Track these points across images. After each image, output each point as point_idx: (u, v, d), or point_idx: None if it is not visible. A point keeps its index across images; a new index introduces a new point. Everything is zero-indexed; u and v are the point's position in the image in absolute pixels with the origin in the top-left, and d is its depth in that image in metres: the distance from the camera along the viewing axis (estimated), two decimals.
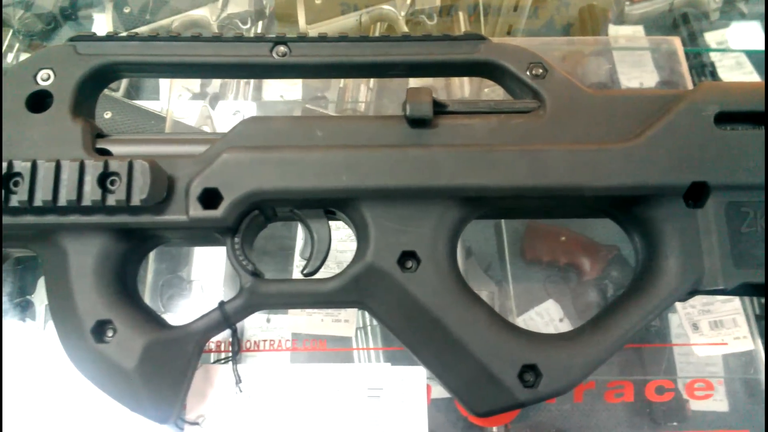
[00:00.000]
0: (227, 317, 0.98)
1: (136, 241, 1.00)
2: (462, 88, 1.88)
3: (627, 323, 0.99)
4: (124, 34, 1.04)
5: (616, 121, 1.04)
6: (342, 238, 1.53)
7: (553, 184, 0.98)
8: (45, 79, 1.04)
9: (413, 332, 0.99)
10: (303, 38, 1.08)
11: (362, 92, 1.86)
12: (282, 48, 1.07)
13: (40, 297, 1.54)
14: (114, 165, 0.96)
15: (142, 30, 1.74)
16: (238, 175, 0.98)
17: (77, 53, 1.06)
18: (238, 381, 1.02)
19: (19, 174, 0.95)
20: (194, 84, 1.87)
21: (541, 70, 1.07)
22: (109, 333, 0.97)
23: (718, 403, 1.31)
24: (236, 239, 1.00)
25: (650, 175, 0.99)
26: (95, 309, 0.97)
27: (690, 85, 1.56)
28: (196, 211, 0.96)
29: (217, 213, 0.96)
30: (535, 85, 1.06)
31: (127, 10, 1.71)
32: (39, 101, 1.04)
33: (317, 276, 1.04)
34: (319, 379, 1.02)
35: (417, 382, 1.03)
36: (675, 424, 1.31)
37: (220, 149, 1.00)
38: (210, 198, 0.97)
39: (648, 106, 1.03)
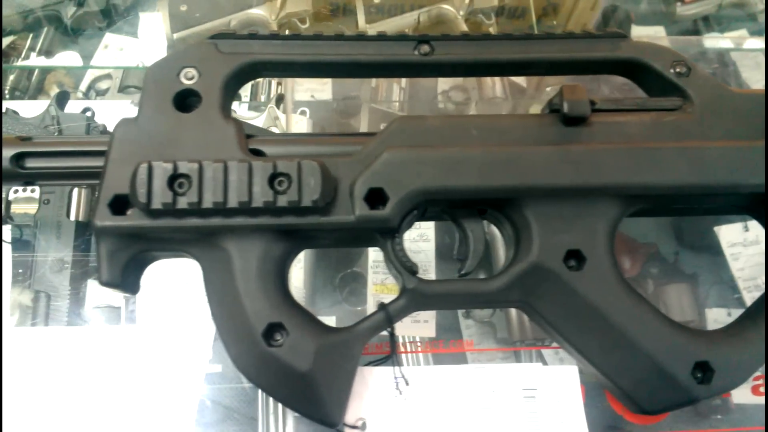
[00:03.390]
0: (390, 319, 0.96)
1: (294, 243, 0.99)
2: (494, 87, 1.88)
3: None
4: (265, 33, 1.01)
5: (757, 118, 1.04)
6: (414, 239, 1.52)
7: (713, 182, 1.00)
8: (189, 77, 1.02)
9: (581, 332, 0.98)
10: (447, 37, 1.07)
11: (395, 92, 1.85)
12: (425, 46, 1.06)
13: None
14: (281, 166, 0.93)
15: (200, 29, 1.70)
16: (403, 174, 0.97)
17: (219, 52, 1.04)
18: (406, 383, 1.00)
19: (185, 176, 0.93)
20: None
21: (684, 68, 1.07)
22: (281, 336, 0.95)
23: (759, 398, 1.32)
24: (397, 239, 0.98)
25: None
26: (265, 312, 0.95)
27: None
28: (363, 210, 0.95)
29: (384, 212, 0.95)
30: (680, 83, 1.07)
31: (183, 8, 1.68)
32: (184, 100, 1.01)
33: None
34: (474, 380, 1.01)
35: (571, 382, 1.02)
36: (719, 417, 1.31)
37: (379, 149, 0.98)
38: (375, 198, 0.96)
39: None
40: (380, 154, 0.97)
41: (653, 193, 0.99)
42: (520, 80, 1.95)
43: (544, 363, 1.52)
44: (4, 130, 1.54)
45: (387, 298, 1.36)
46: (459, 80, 1.89)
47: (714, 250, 1.61)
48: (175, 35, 1.69)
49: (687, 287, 1.54)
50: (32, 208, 1.56)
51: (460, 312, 1.52)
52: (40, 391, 1.17)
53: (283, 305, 0.95)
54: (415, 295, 0.95)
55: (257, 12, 1.72)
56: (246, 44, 1.04)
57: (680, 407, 0.97)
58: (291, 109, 1.60)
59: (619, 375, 0.97)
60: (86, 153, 1.02)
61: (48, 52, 2.09)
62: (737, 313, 1.35)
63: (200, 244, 0.97)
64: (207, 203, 0.92)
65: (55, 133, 1.57)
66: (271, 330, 0.95)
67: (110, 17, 1.89)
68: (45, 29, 2.00)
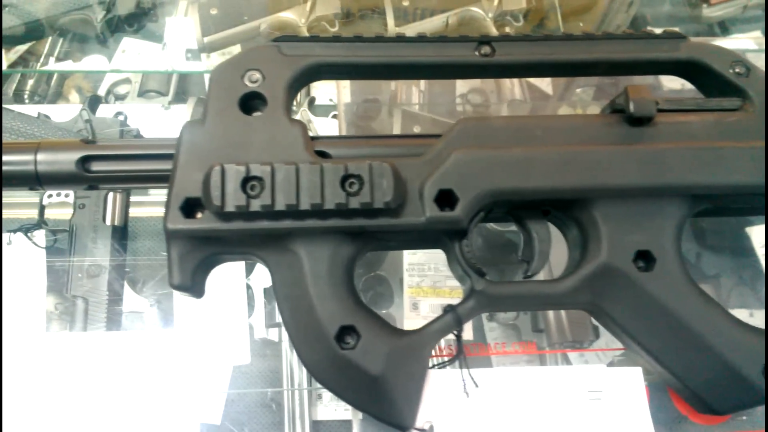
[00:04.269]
0: (460, 321, 0.96)
1: (361, 244, 0.99)
2: (513, 90, 1.89)
3: None
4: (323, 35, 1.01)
5: None
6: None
7: None
8: (254, 80, 1.02)
9: (651, 332, 0.99)
10: (507, 37, 1.07)
11: (414, 94, 1.85)
12: (486, 48, 1.05)
13: None
14: (353, 167, 0.93)
15: (230, 32, 1.70)
16: (472, 176, 0.97)
17: (282, 54, 1.03)
18: (476, 385, 0.99)
19: (257, 178, 0.93)
20: None
21: (743, 69, 1.08)
22: (353, 339, 0.95)
23: None
24: (465, 241, 0.98)
25: None
26: (337, 315, 0.95)
27: None
28: (433, 212, 0.95)
29: (454, 214, 0.95)
30: (739, 83, 1.07)
31: (213, 12, 1.67)
32: (248, 103, 1.01)
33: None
34: (539, 381, 1.00)
35: (635, 383, 1.02)
36: (744, 418, 1.32)
37: (446, 150, 0.98)
38: (445, 199, 0.96)
39: None
40: (448, 156, 0.97)
41: (719, 193, 1.00)
42: (539, 82, 1.95)
43: (569, 364, 1.52)
44: (35, 134, 1.53)
45: (423, 301, 1.36)
46: (477, 83, 1.89)
47: (737, 251, 1.61)
48: (206, 39, 1.68)
49: (709, 288, 1.54)
50: (66, 213, 1.55)
51: (483, 314, 1.52)
52: (79, 396, 1.16)
53: (354, 308, 0.95)
54: (484, 297, 0.95)
55: (287, 15, 1.72)
56: (308, 47, 1.04)
57: (751, 407, 0.98)
58: (343, 111, 1.59)
59: (689, 375, 0.97)
60: (152, 156, 1.02)
61: (65, 58, 2.07)
62: (759, 313, 1.36)
63: (269, 246, 0.96)
64: (279, 205, 0.91)
65: (89, 137, 1.56)
66: (344, 333, 0.95)
67: (139, 21, 1.87)
68: (69, 34, 1.98)
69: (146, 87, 2.05)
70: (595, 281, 0.97)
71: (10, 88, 2.03)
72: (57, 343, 1.25)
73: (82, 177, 1.00)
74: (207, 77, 1.92)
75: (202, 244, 0.95)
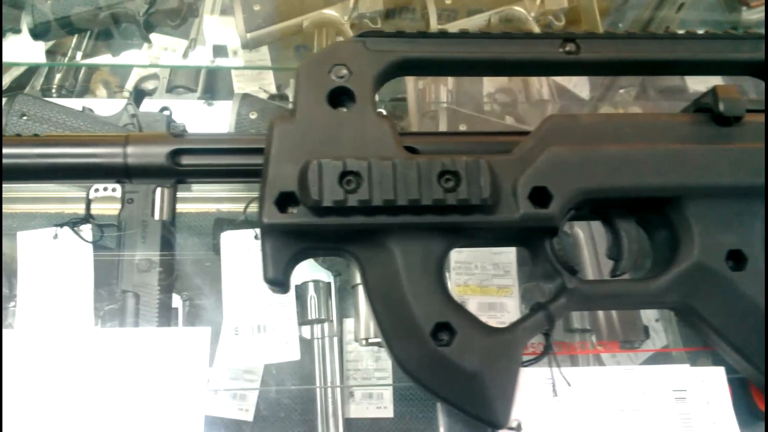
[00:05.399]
0: (552, 319, 0.96)
1: (452, 241, 0.99)
2: (541, 89, 1.89)
3: None
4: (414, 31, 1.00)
5: None
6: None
7: None
8: (340, 75, 1.01)
9: (742, 332, 0.98)
10: (592, 35, 1.07)
11: (442, 93, 1.85)
12: (571, 45, 1.05)
13: None
14: (449, 164, 0.92)
15: (273, 29, 1.70)
16: (567, 173, 0.97)
17: (368, 49, 1.03)
18: (568, 384, 0.99)
19: (354, 173, 0.92)
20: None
21: None
22: (448, 336, 0.95)
23: None
24: (556, 239, 0.98)
25: None
26: (432, 311, 0.95)
27: None
28: (527, 209, 0.95)
29: (548, 211, 0.95)
30: None
31: (257, 8, 1.66)
32: (336, 97, 1.00)
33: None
34: (624, 381, 1.01)
35: (719, 383, 1.02)
36: None
37: (538, 147, 0.98)
38: (538, 196, 0.96)
39: None
40: (540, 152, 0.97)
41: None
42: (566, 81, 1.95)
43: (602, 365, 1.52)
44: (80, 128, 1.52)
45: (471, 300, 1.36)
46: (505, 82, 1.89)
47: None
48: (249, 35, 1.68)
49: None
50: (112, 208, 1.54)
51: None
52: (129, 391, 1.16)
53: (447, 304, 0.95)
54: (576, 295, 0.94)
55: (330, 12, 1.71)
56: (393, 42, 1.04)
57: None
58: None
59: None
60: (242, 151, 1.01)
61: (92, 53, 2.06)
62: None
63: (362, 242, 0.96)
64: (377, 201, 0.91)
65: (136, 131, 1.55)
66: (439, 330, 0.94)
67: (181, 16, 1.85)
68: (96, 29, 1.96)
69: (175, 83, 2.04)
70: (686, 281, 0.97)
71: (37, 82, 2.02)
72: (106, 338, 1.24)
73: (172, 170, 0.99)
74: (234, 74, 1.92)
75: (295, 238, 0.95)
